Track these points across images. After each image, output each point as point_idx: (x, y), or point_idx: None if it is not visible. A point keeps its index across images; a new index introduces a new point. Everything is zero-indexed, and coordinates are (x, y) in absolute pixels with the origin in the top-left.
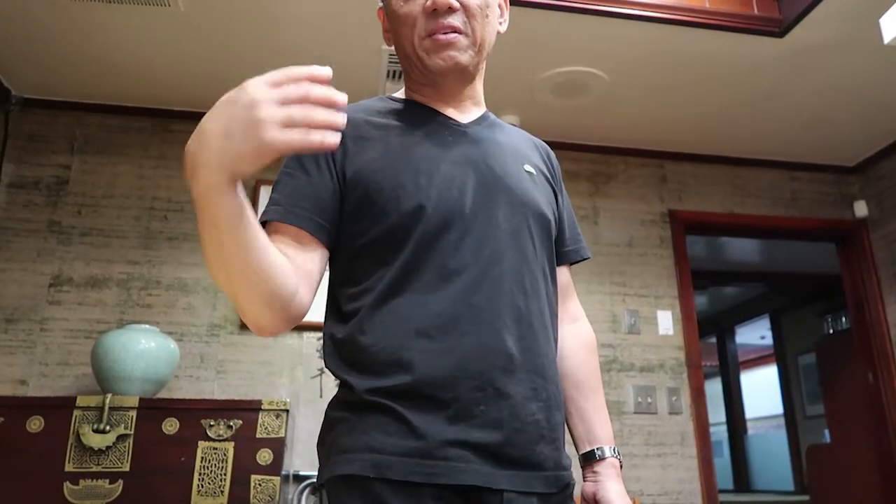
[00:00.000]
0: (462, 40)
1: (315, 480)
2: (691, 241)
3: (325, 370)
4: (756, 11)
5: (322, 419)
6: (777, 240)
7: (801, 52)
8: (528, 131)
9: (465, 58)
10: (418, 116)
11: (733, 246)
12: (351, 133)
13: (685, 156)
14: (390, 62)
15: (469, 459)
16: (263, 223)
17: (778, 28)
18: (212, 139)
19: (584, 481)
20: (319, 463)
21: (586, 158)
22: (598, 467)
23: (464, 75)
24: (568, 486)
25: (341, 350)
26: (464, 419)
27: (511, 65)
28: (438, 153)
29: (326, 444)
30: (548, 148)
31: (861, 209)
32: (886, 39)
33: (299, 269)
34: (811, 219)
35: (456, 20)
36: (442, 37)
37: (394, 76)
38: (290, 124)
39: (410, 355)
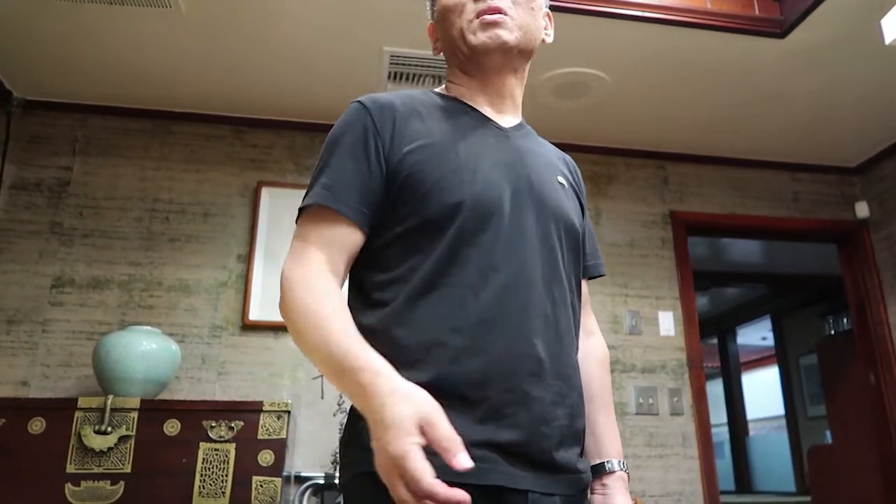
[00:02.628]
0: (508, 21)
1: (316, 482)
2: (692, 241)
3: None
4: (757, 12)
5: (323, 420)
6: (778, 241)
7: (803, 53)
8: None
9: (510, 38)
10: (463, 113)
11: (734, 247)
12: (399, 121)
13: (686, 157)
14: (392, 64)
15: (495, 460)
16: (310, 205)
17: (779, 29)
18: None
19: (593, 493)
20: (341, 462)
21: (587, 159)
22: (608, 480)
23: (508, 57)
24: (586, 488)
25: (373, 340)
26: (492, 420)
27: None
28: (481, 152)
29: (351, 441)
30: (573, 162)
31: (862, 210)
32: (887, 40)
33: (338, 268)
34: (812, 220)
35: (503, 3)
36: (489, 17)
37: (395, 78)
38: None
39: (444, 353)
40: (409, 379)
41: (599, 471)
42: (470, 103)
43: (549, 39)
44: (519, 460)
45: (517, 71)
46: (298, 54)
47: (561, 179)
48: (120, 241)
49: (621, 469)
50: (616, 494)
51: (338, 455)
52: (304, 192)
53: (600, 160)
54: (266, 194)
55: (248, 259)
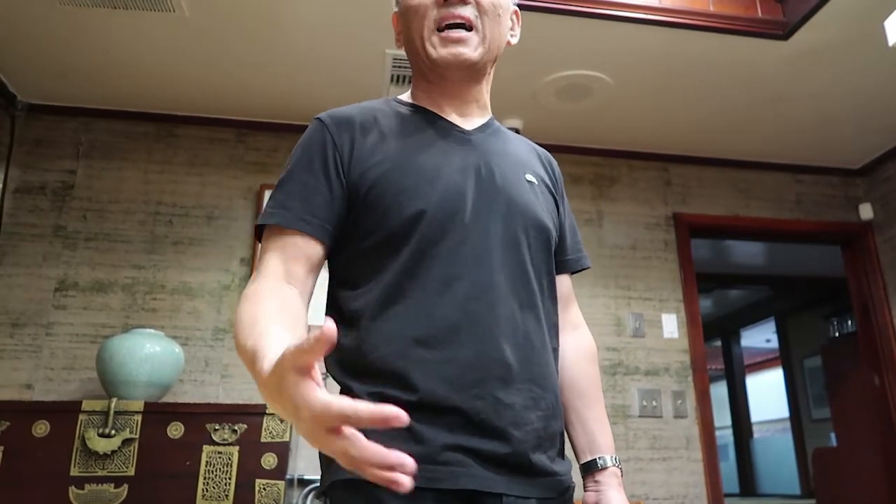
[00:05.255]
0: (473, 38)
1: (319, 485)
2: (696, 244)
3: (328, 374)
4: (760, 14)
5: None
6: (782, 243)
7: (806, 54)
8: (532, 135)
9: (474, 55)
10: (423, 121)
11: (738, 249)
12: (358, 136)
13: (689, 159)
14: (394, 66)
15: (469, 464)
16: (268, 225)
17: (782, 31)
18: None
19: (586, 490)
20: (321, 471)
21: (590, 162)
22: (600, 476)
23: (470, 72)
24: (568, 489)
25: (342, 355)
26: (463, 428)
27: (514, 69)
28: (442, 160)
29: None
30: (550, 156)
31: (866, 212)
32: (891, 41)
33: (303, 286)
34: (816, 221)
35: (467, 12)
36: (453, 33)
37: (397, 80)
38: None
39: (410, 365)
40: (379, 391)
41: (592, 467)
42: (432, 109)
43: (515, 41)
44: (493, 464)
45: (480, 80)
46: (301, 57)
47: (530, 177)
48: (123, 245)
49: (614, 464)
50: (609, 490)
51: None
52: None
53: (603, 162)
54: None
55: (251, 262)
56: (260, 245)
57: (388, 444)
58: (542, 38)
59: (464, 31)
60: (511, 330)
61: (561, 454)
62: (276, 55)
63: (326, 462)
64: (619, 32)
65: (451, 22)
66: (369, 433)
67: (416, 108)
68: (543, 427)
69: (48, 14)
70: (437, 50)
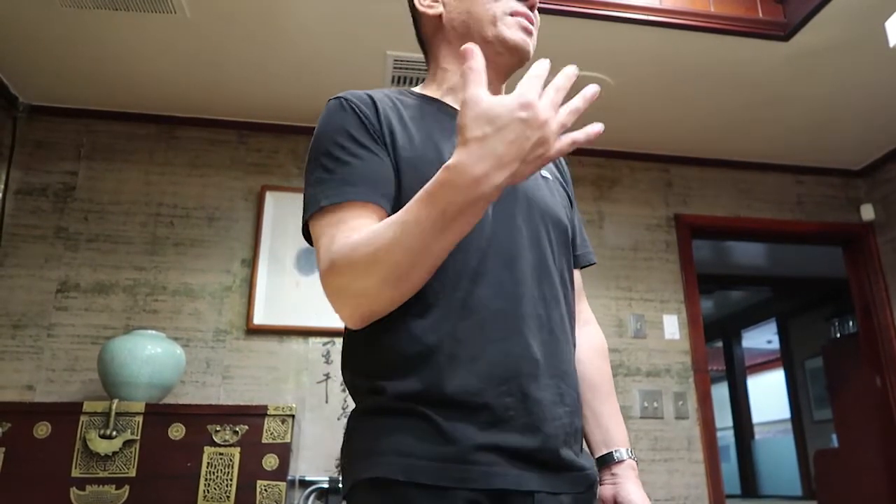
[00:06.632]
0: (535, 33)
1: (321, 486)
2: (697, 245)
3: (331, 376)
4: (761, 15)
5: (327, 424)
6: (783, 243)
7: (807, 55)
8: None
9: (532, 50)
10: (441, 113)
11: (739, 250)
12: (382, 115)
13: (690, 160)
14: (395, 68)
15: (499, 463)
16: (340, 202)
17: (783, 32)
18: (507, 162)
19: (602, 484)
20: (343, 472)
21: (591, 163)
22: (617, 469)
23: (520, 64)
24: (594, 483)
25: (368, 351)
26: (494, 425)
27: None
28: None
29: (351, 450)
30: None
31: (867, 212)
32: (892, 42)
33: None
34: (817, 222)
35: (534, 14)
36: (527, 24)
37: (398, 81)
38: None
39: (439, 361)
40: (406, 389)
41: (608, 461)
42: (451, 104)
43: None
44: (523, 461)
45: (506, 79)
46: (302, 59)
47: (545, 173)
48: (125, 246)
49: (630, 457)
50: (627, 483)
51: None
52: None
53: (604, 163)
54: (270, 198)
55: (252, 263)
56: (315, 225)
57: (415, 442)
58: (543, 39)
59: (533, 25)
60: (537, 326)
61: (582, 449)
62: (277, 56)
63: (349, 463)
64: (620, 33)
65: (524, 12)
66: (392, 427)
67: (432, 100)
68: (570, 422)
69: (49, 16)
70: (513, 31)
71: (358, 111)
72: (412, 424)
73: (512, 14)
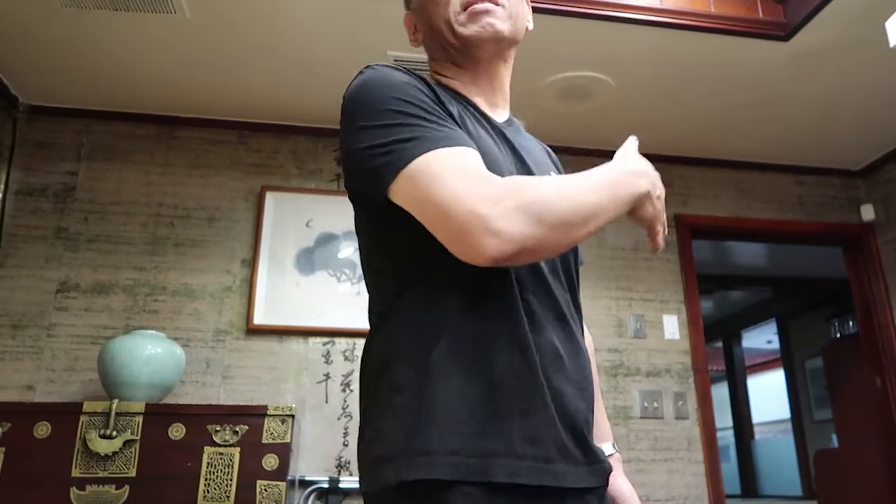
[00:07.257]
0: (499, 10)
1: (321, 486)
2: (697, 245)
3: (330, 376)
4: (761, 15)
5: (327, 424)
6: (783, 244)
7: (807, 55)
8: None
9: (504, 27)
10: (461, 104)
11: (739, 250)
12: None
13: (691, 160)
14: None
15: (550, 459)
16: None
17: (783, 32)
18: (651, 188)
19: None
20: (365, 470)
21: (591, 164)
22: None
23: (500, 47)
24: (609, 475)
25: (415, 345)
26: (528, 418)
27: (515, 70)
28: (487, 150)
29: (375, 450)
30: (555, 155)
31: (868, 213)
32: (892, 42)
33: None
34: (818, 223)
35: None
36: (479, 6)
37: None
38: None
39: (473, 356)
40: (436, 389)
41: None
42: (465, 94)
43: (531, 26)
44: (563, 457)
45: (506, 60)
46: (302, 59)
47: (553, 174)
48: (125, 246)
49: (615, 451)
50: (617, 477)
51: (356, 460)
52: (307, 195)
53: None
54: (270, 199)
55: (252, 263)
56: (415, 178)
57: (464, 440)
58: (543, 40)
59: (489, 3)
60: (559, 323)
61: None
62: (277, 57)
63: (374, 465)
64: (620, 33)
65: (478, 2)
66: (434, 421)
67: (453, 92)
68: (590, 417)
69: (49, 16)
70: (468, 27)
71: (410, 76)
72: (453, 418)
73: (464, 7)
